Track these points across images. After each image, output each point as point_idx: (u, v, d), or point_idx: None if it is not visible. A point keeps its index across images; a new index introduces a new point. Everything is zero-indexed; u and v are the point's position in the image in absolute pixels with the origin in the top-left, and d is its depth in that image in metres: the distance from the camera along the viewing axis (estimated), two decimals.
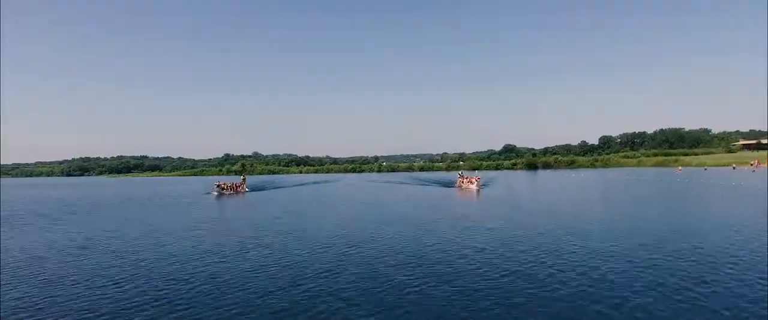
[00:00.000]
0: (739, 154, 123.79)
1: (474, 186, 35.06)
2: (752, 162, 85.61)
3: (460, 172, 48.47)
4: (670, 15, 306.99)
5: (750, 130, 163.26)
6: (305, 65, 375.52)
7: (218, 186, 40.11)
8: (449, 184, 43.19)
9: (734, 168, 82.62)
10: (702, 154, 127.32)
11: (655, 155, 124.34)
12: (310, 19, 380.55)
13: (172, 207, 27.39)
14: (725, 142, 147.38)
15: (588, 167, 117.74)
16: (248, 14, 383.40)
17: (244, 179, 47.34)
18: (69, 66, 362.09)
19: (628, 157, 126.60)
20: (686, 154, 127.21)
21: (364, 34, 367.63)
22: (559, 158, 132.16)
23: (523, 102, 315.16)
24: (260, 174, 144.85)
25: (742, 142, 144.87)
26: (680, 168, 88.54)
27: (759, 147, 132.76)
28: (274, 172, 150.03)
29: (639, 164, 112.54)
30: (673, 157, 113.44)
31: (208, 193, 39.64)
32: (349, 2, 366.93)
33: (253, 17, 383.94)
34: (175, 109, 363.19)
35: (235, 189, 41.27)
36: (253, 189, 45.23)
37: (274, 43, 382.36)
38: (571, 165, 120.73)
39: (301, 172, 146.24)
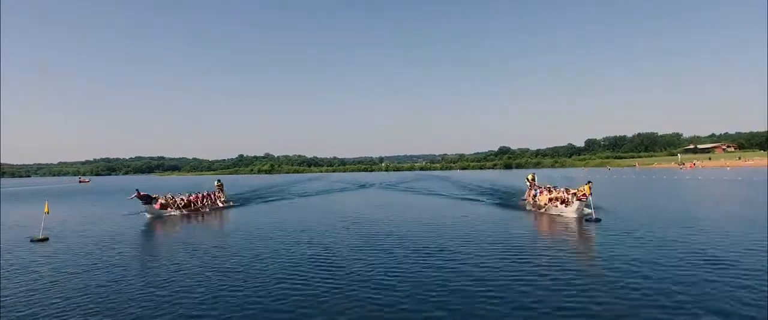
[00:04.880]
0: (676, 156, 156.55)
1: (572, 213, 17.67)
2: (682, 164, 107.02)
3: (530, 178, 26.04)
4: (669, 16, 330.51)
5: (724, 133, 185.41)
6: (306, 66, 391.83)
7: (140, 195, 21.91)
8: (510, 195, 29.81)
9: (636, 166, 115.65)
10: (646, 158, 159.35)
11: (605, 157, 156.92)
12: (310, 20, 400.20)
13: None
14: (684, 144, 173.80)
15: (549, 167, 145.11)
16: (250, 14, 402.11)
17: (219, 183, 30.85)
18: (74, 67, 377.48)
19: (580, 160, 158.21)
20: (633, 157, 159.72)
21: (366, 35, 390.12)
22: (529, 160, 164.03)
23: (521, 103, 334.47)
24: (287, 173, 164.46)
25: (681, 148, 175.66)
26: (608, 167, 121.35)
27: (695, 151, 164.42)
28: (299, 172, 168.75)
29: (585, 165, 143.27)
30: (609, 160, 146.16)
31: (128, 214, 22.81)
32: (349, 2, 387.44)
33: (255, 18, 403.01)
34: (183, 110, 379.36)
35: (204, 201, 25.60)
36: (303, 193, 37.66)
37: (277, 44, 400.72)
38: (536, 166, 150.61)
39: (322, 172, 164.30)
